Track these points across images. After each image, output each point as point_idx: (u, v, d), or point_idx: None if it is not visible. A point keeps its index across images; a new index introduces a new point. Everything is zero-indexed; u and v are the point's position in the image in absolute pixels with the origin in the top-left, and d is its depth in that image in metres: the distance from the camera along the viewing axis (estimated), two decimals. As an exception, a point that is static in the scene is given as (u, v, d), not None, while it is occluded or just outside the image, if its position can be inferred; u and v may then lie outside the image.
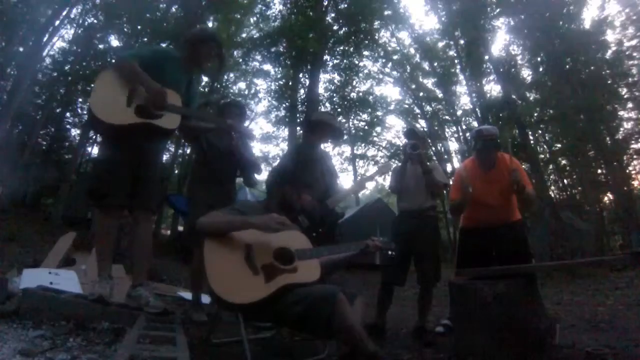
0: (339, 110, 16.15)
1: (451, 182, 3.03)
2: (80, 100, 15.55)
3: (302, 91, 16.05)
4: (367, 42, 15.19)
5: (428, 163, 3.00)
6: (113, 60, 2.45)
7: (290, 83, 16.50)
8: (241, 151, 2.79)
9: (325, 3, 14.41)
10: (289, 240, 1.79)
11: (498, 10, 13.25)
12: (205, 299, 3.45)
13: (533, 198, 2.79)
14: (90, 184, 2.15)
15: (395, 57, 18.19)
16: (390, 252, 2.05)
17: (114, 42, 15.58)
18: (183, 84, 2.22)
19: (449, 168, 18.11)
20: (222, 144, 2.81)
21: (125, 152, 2.07)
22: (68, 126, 17.96)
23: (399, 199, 3.12)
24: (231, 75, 19.49)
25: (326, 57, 14.64)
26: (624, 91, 12.72)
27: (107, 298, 1.97)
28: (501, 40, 16.97)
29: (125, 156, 2.07)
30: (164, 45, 12.58)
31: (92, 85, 2.02)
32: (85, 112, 16.68)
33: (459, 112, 18.59)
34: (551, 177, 17.70)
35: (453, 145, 19.44)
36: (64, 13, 12.45)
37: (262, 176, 3.65)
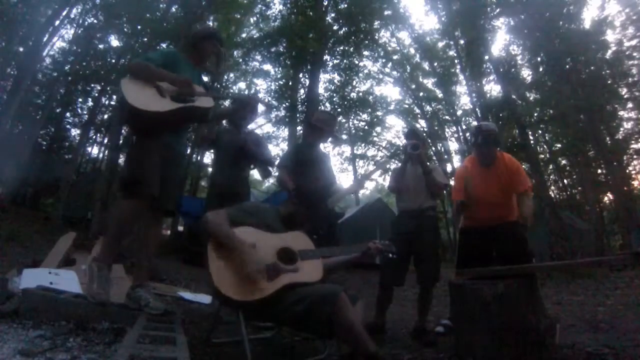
0: (339, 110, 16.14)
1: (452, 182, 3.04)
2: (80, 100, 15.58)
3: (302, 91, 16.06)
4: (367, 42, 15.18)
5: (428, 163, 3.00)
6: (128, 65, 2.49)
7: (290, 83, 16.50)
8: (253, 147, 2.91)
9: (325, 3, 14.40)
10: (292, 240, 1.80)
11: (498, 10, 13.25)
12: (206, 299, 3.46)
13: (532, 212, 2.82)
14: (125, 175, 2.13)
15: (395, 57, 18.21)
16: (391, 255, 2.06)
17: (114, 42, 15.62)
18: (196, 80, 2.27)
19: (449, 168, 18.14)
20: (233, 142, 2.92)
21: (157, 150, 2.09)
22: (68, 126, 18.01)
23: (399, 199, 3.11)
24: (231, 75, 19.52)
25: (326, 57, 14.63)
26: (624, 91, 12.73)
27: (107, 301, 1.96)
28: (501, 40, 17.04)
29: (159, 153, 2.09)
30: (164, 45, 12.64)
31: (121, 90, 2.02)
32: (85, 113, 16.74)
33: (459, 112, 18.62)
34: (551, 177, 17.73)
35: (453, 145, 19.48)
36: (64, 13, 12.46)
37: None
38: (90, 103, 16.74)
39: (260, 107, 3.19)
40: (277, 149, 18.88)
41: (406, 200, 2.99)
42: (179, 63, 2.23)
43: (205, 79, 2.54)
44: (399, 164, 3.21)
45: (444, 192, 3.94)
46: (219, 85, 18.72)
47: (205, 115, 2.20)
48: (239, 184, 2.96)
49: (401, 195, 3.06)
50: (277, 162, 3.04)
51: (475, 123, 15.75)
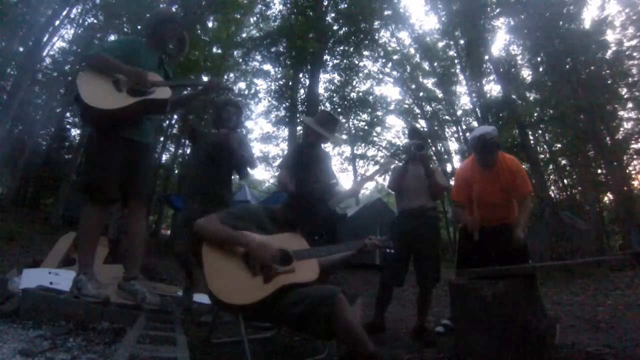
0: (339, 110, 16.15)
1: (452, 183, 3.03)
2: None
3: (302, 91, 16.07)
4: (367, 42, 15.18)
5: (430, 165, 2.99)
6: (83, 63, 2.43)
7: (290, 83, 16.51)
8: (233, 145, 2.84)
9: (325, 3, 14.41)
10: (286, 241, 1.79)
11: (498, 10, 13.25)
12: (206, 299, 3.46)
13: (529, 213, 2.83)
14: (84, 178, 2.12)
15: (395, 57, 18.20)
16: (388, 250, 2.05)
17: (114, 42, 15.60)
18: (155, 65, 2.26)
19: (449, 168, 18.16)
20: (216, 139, 2.89)
21: (119, 146, 2.08)
22: (68, 126, 17.98)
23: (399, 199, 3.09)
24: (231, 75, 19.51)
25: (326, 57, 14.63)
26: (624, 91, 12.73)
27: (109, 297, 1.96)
28: (501, 40, 17.03)
29: (119, 150, 2.08)
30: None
31: (77, 86, 1.99)
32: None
33: (459, 112, 18.62)
34: (551, 177, 17.72)
35: (453, 145, 19.48)
36: (64, 13, 12.46)
37: (261, 175, 3.73)
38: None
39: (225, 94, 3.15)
40: (277, 149, 18.88)
41: (407, 200, 2.97)
42: (139, 50, 2.20)
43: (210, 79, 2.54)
44: (400, 163, 3.19)
45: (444, 193, 3.90)
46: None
47: (164, 106, 2.16)
48: (218, 184, 2.89)
49: (402, 194, 3.04)
50: (278, 163, 3.03)
51: (475, 124, 15.78)
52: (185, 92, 2.63)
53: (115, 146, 2.06)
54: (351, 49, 14.79)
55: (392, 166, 3.21)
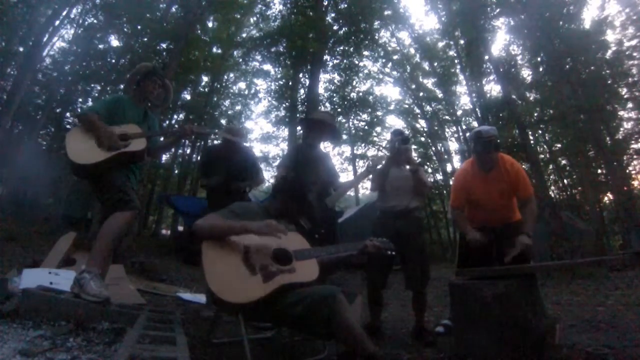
0: (339, 110, 16.14)
1: (451, 182, 3.02)
2: (80, 100, 15.58)
3: (302, 91, 16.08)
4: (367, 42, 15.18)
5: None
6: (77, 117, 2.75)
7: (290, 83, 16.52)
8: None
9: (325, 3, 14.41)
10: (286, 241, 1.79)
11: (498, 10, 13.25)
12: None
13: (535, 217, 2.70)
14: (116, 195, 2.29)
15: (395, 57, 18.22)
16: (389, 252, 2.04)
17: (114, 42, 15.63)
18: (140, 118, 2.54)
19: (449, 168, 18.17)
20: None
21: (123, 171, 2.38)
22: (68, 126, 17.94)
23: (381, 199, 3.01)
24: (231, 75, 19.53)
25: (326, 57, 14.63)
26: (624, 91, 12.73)
27: (110, 297, 1.96)
28: (501, 40, 17.05)
29: (124, 173, 2.39)
30: (164, 45, 12.59)
31: (65, 143, 2.32)
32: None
33: (459, 112, 18.63)
34: (551, 177, 17.73)
35: (453, 145, 19.49)
36: (64, 13, 12.45)
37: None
38: (90, 103, 16.72)
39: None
40: (277, 149, 18.91)
41: (391, 200, 2.91)
42: (122, 107, 2.47)
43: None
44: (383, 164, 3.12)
45: (431, 192, 3.81)
46: (219, 85, 18.74)
47: (140, 156, 2.42)
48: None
49: (384, 194, 2.96)
50: (277, 163, 3.04)
51: (475, 124, 15.78)
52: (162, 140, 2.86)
53: (120, 172, 2.34)
54: (351, 49, 14.80)
55: (384, 159, 3.13)
